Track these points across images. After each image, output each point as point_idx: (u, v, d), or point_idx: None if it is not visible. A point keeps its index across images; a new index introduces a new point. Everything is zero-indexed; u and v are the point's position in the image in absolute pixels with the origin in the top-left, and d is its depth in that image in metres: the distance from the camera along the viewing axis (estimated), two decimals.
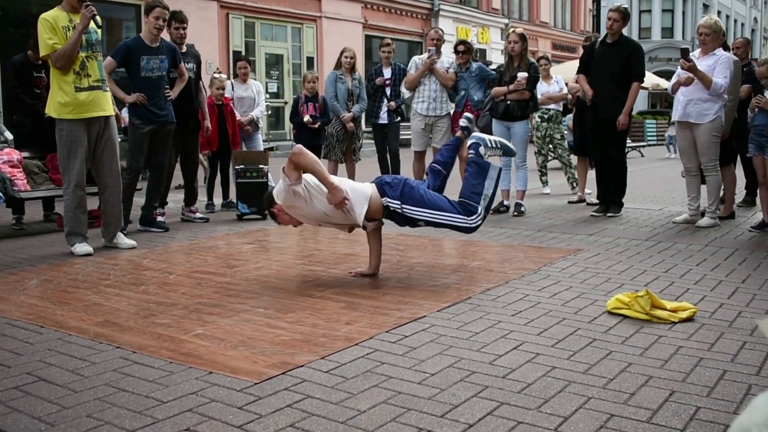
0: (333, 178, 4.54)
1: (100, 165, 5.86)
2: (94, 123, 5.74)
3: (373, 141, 9.79)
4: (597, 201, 7.95)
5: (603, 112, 7.35)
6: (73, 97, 5.59)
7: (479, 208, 4.64)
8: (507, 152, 5.10)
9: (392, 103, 9.25)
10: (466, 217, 4.61)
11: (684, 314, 3.73)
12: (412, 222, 4.73)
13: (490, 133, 7.97)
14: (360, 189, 4.67)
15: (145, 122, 6.64)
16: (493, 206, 7.86)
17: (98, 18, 5.70)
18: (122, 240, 6.10)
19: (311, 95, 8.91)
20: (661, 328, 3.60)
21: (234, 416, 2.58)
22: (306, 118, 8.74)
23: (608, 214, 7.51)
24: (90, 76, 5.67)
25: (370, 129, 9.82)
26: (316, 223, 4.88)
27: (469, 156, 4.91)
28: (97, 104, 5.72)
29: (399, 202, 4.60)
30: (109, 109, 5.86)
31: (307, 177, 4.55)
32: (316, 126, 8.81)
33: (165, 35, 7.04)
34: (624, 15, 7.35)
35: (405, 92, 9.00)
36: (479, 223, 4.65)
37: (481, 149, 4.88)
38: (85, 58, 5.63)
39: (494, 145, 4.96)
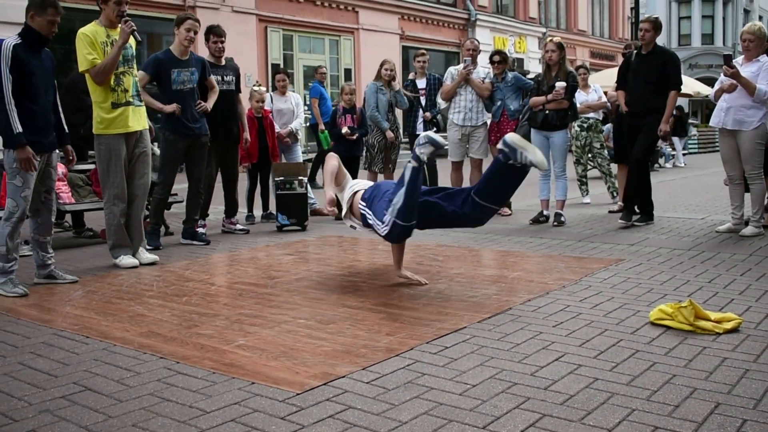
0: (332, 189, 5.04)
1: (131, 177, 5.90)
2: (131, 137, 5.83)
3: (410, 151, 9.78)
4: (637, 210, 7.85)
5: (635, 120, 7.36)
6: (111, 113, 5.67)
7: (386, 217, 4.51)
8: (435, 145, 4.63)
9: (427, 114, 9.24)
10: (380, 224, 4.59)
11: (729, 325, 3.67)
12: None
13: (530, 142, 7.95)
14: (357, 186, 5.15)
15: (178, 136, 6.65)
16: (532, 216, 7.91)
17: (137, 34, 5.74)
18: (144, 255, 6.02)
19: (349, 107, 8.95)
20: (706, 339, 3.55)
21: (276, 426, 2.61)
22: (344, 129, 8.79)
23: (634, 222, 7.46)
24: (127, 91, 5.76)
25: (407, 140, 9.83)
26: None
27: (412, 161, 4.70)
28: (133, 119, 5.80)
29: (365, 204, 4.81)
30: (143, 123, 5.95)
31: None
32: (354, 137, 8.85)
33: (203, 49, 7.09)
34: (655, 25, 7.31)
35: (441, 103, 9.00)
36: (386, 231, 4.55)
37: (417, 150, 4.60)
38: (120, 74, 5.71)
39: (422, 141, 4.62)
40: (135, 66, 5.91)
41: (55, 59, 5.30)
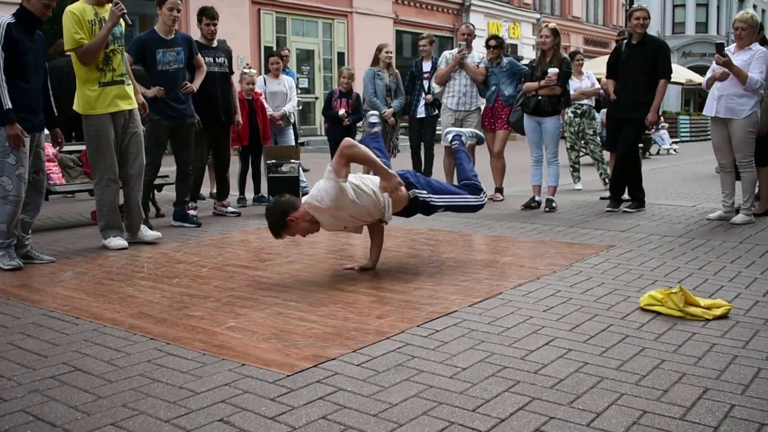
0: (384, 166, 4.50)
1: (125, 158, 5.84)
2: (119, 116, 5.72)
3: (407, 135, 9.76)
4: (628, 198, 7.88)
5: (625, 112, 7.39)
6: (98, 92, 5.57)
7: (482, 193, 5.07)
8: (480, 140, 5.93)
9: (429, 96, 9.19)
10: (476, 196, 5.01)
11: (718, 311, 3.69)
12: (431, 210, 4.92)
13: (522, 129, 7.98)
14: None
15: (163, 117, 6.58)
16: (524, 202, 7.93)
17: (127, 17, 5.62)
18: (147, 233, 6.06)
19: (346, 91, 8.92)
20: (695, 325, 3.57)
21: (267, 408, 2.61)
22: (341, 111, 8.76)
23: (623, 209, 7.52)
24: (114, 71, 5.64)
25: (406, 124, 9.79)
26: (339, 228, 4.71)
27: (455, 146, 5.54)
28: (122, 98, 5.70)
29: (426, 191, 4.80)
30: (132, 102, 5.84)
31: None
32: (348, 122, 8.82)
33: (196, 31, 7.03)
34: (649, 13, 7.41)
35: (435, 87, 8.98)
36: (486, 199, 5.10)
37: (463, 138, 5.61)
38: (109, 52, 5.58)
39: (471, 134, 5.76)
40: (123, 44, 5.78)
41: (45, 42, 5.27)
